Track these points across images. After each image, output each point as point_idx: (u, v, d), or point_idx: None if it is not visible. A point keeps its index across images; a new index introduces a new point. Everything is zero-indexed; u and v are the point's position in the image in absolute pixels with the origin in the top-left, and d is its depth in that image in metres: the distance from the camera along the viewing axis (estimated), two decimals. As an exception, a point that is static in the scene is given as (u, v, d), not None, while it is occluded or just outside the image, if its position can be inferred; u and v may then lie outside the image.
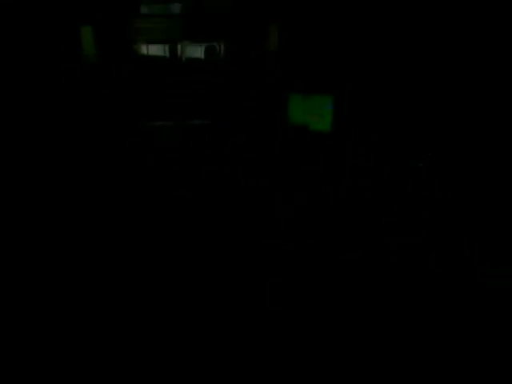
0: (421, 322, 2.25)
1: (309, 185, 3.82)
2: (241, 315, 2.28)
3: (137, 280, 2.70)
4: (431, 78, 2.97)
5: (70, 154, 3.62)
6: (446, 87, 2.89)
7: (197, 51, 4.19)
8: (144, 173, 4.01)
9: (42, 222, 3.24)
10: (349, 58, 3.39)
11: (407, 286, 2.59)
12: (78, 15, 3.20)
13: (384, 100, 3.23)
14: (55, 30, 3.12)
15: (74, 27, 3.24)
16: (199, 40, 4.14)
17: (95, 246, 3.08)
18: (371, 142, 3.33)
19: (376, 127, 3.31)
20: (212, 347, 2.03)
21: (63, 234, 3.19)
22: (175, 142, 4.35)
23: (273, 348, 2.02)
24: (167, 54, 4.12)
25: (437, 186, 2.98)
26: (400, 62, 3.10)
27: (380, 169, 3.25)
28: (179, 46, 4.12)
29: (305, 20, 3.71)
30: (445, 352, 2.07)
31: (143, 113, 4.10)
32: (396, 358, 2.01)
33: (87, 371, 1.92)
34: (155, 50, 4.06)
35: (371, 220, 3.17)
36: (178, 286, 2.59)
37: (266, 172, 4.10)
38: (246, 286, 2.58)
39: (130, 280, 2.70)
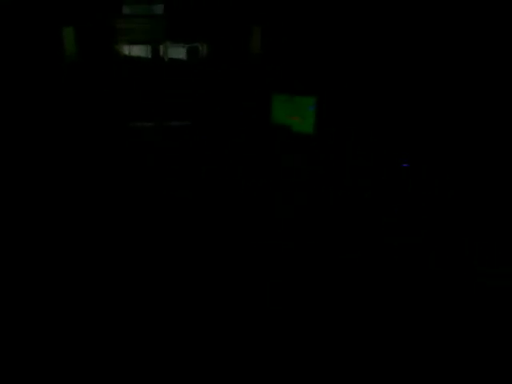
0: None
1: (292, 185, 3.85)
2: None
3: (129, 280, 2.69)
4: (413, 79, 3.05)
5: (51, 153, 3.53)
6: (428, 87, 2.97)
7: (180, 52, 4.19)
8: (127, 173, 3.96)
9: (27, 222, 3.16)
10: (331, 60, 3.45)
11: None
12: (60, 16, 3.14)
13: (366, 101, 3.28)
14: (37, 30, 3.05)
15: (56, 28, 3.18)
16: (182, 41, 4.13)
17: (80, 245, 3.04)
18: (354, 142, 3.38)
19: (358, 128, 3.37)
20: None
21: (48, 234, 3.12)
22: (157, 143, 4.31)
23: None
24: (150, 55, 4.09)
25: (431, 186, 3.02)
26: (382, 62, 3.18)
27: (363, 169, 3.29)
28: (162, 47, 4.11)
29: (288, 22, 3.77)
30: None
31: (125, 114, 4.05)
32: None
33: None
34: (138, 50, 4.02)
35: (361, 220, 3.22)
36: (171, 287, 2.60)
37: (249, 171, 4.13)
38: (239, 285, 2.61)
39: (122, 280, 2.69)
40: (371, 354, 2.10)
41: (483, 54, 2.94)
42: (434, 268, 2.81)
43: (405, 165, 3.06)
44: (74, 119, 3.68)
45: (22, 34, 3.00)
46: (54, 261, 2.86)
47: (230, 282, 2.68)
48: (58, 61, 3.34)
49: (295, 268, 2.82)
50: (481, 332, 2.32)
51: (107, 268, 2.80)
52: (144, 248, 3.08)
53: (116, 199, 3.62)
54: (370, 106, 3.27)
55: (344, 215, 3.27)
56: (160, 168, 4.14)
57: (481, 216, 3.09)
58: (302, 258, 2.95)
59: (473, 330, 2.33)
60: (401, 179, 3.04)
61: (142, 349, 2.03)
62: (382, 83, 3.22)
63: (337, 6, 3.33)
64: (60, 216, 3.29)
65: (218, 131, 4.36)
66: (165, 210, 3.61)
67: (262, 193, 3.89)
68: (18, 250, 2.97)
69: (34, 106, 3.41)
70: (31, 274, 2.71)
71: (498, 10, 2.86)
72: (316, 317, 2.33)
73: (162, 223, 3.43)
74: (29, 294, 2.50)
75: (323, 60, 3.50)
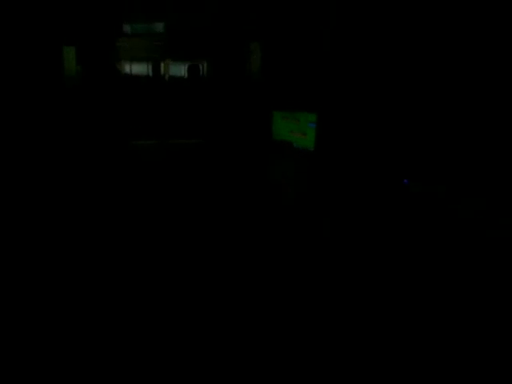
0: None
1: (291, 200, 3.82)
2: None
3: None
4: (415, 96, 3.01)
5: (53, 172, 3.51)
6: (430, 106, 2.92)
7: (180, 70, 4.20)
8: (129, 190, 3.92)
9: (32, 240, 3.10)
10: (331, 76, 3.42)
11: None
12: (61, 36, 3.18)
13: (367, 117, 3.27)
14: (38, 49, 3.08)
15: (57, 47, 3.21)
16: (182, 59, 4.15)
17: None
18: (355, 159, 3.36)
19: (360, 144, 3.34)
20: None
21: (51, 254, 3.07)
22: (159, 161, 4.29)
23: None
24: (151, 73, 4.11)
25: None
26: (382, 79, 3.16)
27: (362, 187, 3.28)
28: (162, 65, 4.13)
29: (286, 38, 3.77)
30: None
31: (127, 131, 4.05)
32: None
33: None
34: (139, 68, 4.04)
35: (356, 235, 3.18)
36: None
37: (249, 186, 4.09)
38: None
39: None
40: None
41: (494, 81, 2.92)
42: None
43: (405, 181, 3.01)
44: (76, 137, 3.67)
45: (24, 52, 3.03)
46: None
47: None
48: (59, 79, 3.37)
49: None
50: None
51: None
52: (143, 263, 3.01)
53: (118, 218, 3.57)
54: (371, 122, 3.24)
55: (340, 234, 3.24)
56: (162, 184, 4.10)
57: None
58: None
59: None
60: (402, 196, 3.00)
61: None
62: (383, 98, 3.19)
63: (336, 22, 3.33)
64: (63, 235, 3.24)
65: (219, 148, 4.34)
66: (167, 223, 3.56)
67: (262, 207, 3.87)
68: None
69: (35, 124, 3.41)
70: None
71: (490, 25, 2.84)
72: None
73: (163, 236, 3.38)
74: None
75: (323, 76, 3.47)
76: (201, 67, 4.21)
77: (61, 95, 3.44)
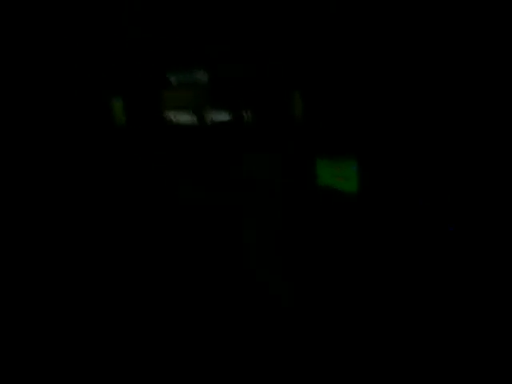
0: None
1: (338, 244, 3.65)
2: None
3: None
4: (458, 143, 3.02)
5: (99, 218, 3.60)
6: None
7: (224, 118, 4.34)
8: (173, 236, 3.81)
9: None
10: (372, 122, 3.52)
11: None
12: (110, 87, 3.62)
13: (409, 162, 3.31)
14: (89, 100, 3.52)
15: (106, 98, 3.64)
16: (225, 108, 4.34)
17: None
18: (398, 202, 3.38)
19: (403, 188, 3.37)
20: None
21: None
22: (206, 206, 4.23)
23: None
24: (195, 122, 4.28)
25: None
26: (424, 124, 3.20)
27: (406, 231, 3.25)
28: (206, 114, 4.31)
29: (327, 86, 3.92)
30: None
31: (173, 178, 4.14)
32: None
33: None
34: (183, 117, 4.26)
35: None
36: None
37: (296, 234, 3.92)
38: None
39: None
40: None
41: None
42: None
43: (451, 228, 2.98)
44: (124, 185, 3.84)
45: (77, 102, 3.45)
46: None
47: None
48: (108, 128, 3.72)
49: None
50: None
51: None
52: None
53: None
54: (412, 167, 3.30)
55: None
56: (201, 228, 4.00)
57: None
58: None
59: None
60: (447, 245, 2.95)
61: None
62: (424, 145, 3.23)
63: (376, 70, 3.45)
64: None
65: (265, 194, 4.24)
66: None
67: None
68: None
69: (85, 173, 3.65)
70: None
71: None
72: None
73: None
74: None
75: (364, 122, 3.61)
76: (245, 115, 4.31)
77: (109, 143, 3.71)
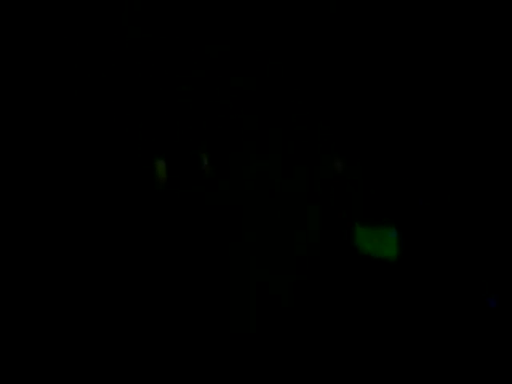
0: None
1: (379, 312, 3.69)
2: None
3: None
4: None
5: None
6: None
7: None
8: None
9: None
10: (413, 191, 3.57)
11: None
12: (153, 149, 3.73)
13: (451, 228, 3.30)
14: (133, 161, 3.62)
15: (150, 159, 3.75)
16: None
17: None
18: (440, 270, 3.35)
19: (445, 257, 3.35)
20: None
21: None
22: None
23: None
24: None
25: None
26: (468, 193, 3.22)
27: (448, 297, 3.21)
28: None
29: (367, 154, 3.93)
30: None
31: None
32: None
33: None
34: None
35: None
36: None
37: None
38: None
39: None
40: None
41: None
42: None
43: (492, 304, 2.89)
44: (168, 242, 3.96)
45: (123, 163, 3.57)
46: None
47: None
48: (150, 187, 3.82)
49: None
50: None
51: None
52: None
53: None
54: (456, 236, 3.29)
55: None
56: None
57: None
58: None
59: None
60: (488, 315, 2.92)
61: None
62: (466, 213, 3.24)
63: (415, 140, 3.53)
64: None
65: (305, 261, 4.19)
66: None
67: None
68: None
69: (129, 228, 3.79)
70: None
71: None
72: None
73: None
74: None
75: (404, 191, 3.64)
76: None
77: (152, 200, 3.85)
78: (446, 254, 3.32)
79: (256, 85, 3.93)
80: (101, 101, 3.70)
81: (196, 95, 3.89)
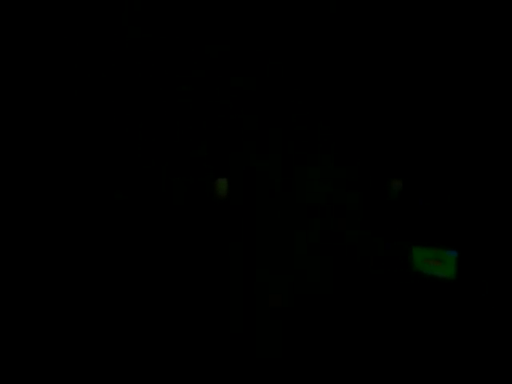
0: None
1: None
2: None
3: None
4: None
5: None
6: None
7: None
8: None
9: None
10: (473, 213, 3.53)
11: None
12: (215, 170, 3.98)
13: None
14: (198, 180, 3.81)
15: (214, 179, 3.96)
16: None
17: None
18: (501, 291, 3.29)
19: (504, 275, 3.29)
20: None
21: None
22: None
23: None
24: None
25: None
26: None
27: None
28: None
29: (426, 177, 3.89)
30: None
31: None
32: None
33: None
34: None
35: None
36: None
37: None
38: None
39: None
40: None
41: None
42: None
43: None
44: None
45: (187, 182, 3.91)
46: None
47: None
48: (212, 204, 4.00)
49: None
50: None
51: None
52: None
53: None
54: None
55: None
56: None
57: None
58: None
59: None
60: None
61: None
62: None
63: (475, 162, 3.51)
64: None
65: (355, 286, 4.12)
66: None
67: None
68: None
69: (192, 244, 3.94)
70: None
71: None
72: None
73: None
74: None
75: (463, 213, 3.61)
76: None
77: (214, 212, 4.03)
78: (504, 272, 3.30)
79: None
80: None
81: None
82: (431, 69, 3.65)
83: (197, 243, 3.84)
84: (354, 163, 4.14)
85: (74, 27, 3.42)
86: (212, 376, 3.38)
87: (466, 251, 3.54)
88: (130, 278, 3.58)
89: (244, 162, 4.05)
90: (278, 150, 4.11)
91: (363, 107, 4.01)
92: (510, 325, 3.13)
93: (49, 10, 3.29)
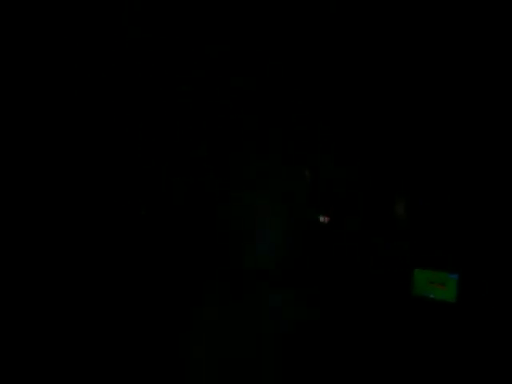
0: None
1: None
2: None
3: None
4: None
5: None
6: None
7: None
8: None
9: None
10: (475, 237, 3.55)
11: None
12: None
13: None
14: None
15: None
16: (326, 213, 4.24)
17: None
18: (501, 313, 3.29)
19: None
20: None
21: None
22: None
23: None
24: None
25: None
26: None
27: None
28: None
29: (435, 195, 3.87)
30: None
31: None
32: None
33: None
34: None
35: None
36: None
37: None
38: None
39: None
40: None
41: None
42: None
43: None
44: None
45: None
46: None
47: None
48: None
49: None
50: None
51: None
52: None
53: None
54: None
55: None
56: None
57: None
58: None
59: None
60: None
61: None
62: None
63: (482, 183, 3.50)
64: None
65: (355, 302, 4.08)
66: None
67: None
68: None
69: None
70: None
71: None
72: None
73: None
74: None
75: (466, 237, 3.62)
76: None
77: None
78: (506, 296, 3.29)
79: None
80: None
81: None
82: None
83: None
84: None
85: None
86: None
87: (467, 274, 3.54)
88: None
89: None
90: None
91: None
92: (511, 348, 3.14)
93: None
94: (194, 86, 3.87)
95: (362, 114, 4.03)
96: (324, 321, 3.70)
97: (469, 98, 3.51)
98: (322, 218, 4.25)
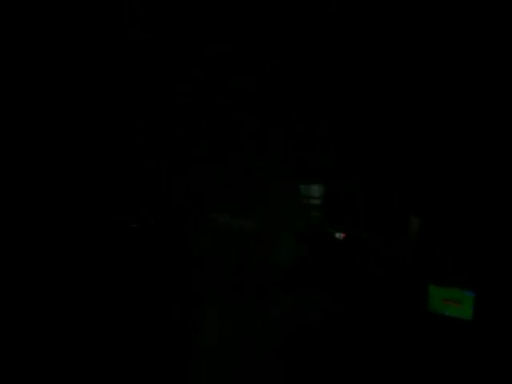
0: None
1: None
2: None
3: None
4: None
5: None
6: None
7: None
8: None
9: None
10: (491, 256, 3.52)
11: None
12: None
13: None
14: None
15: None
16: (341, 227, 4.11)
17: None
18: None
19: None
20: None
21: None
22: None
23: None
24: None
25: None
26: None
27: None
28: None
29: (447, 214, 3.81)
30: None
31: None
32: None
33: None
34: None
35: None
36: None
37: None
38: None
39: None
40: None
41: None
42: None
43: None
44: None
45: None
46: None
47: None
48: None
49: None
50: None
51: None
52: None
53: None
54: None
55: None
56: None
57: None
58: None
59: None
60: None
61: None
62: None
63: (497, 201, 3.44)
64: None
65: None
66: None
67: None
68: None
69: None
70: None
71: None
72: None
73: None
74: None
75: (483, 254, 3.60)
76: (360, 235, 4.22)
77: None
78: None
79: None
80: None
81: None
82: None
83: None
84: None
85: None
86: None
87: (484, 291, 3.47)
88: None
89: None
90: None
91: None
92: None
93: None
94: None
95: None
96: (331, 328, 3.58)
97: (480, 100, 3.49)
98: (338, 235, 4.22)
